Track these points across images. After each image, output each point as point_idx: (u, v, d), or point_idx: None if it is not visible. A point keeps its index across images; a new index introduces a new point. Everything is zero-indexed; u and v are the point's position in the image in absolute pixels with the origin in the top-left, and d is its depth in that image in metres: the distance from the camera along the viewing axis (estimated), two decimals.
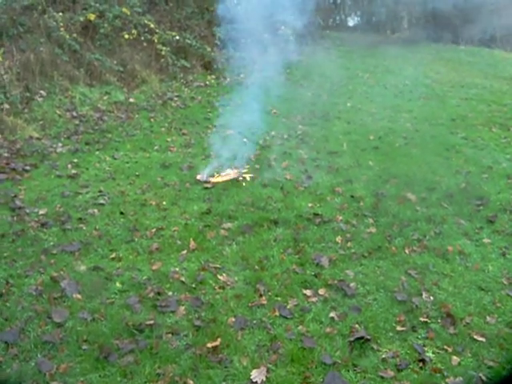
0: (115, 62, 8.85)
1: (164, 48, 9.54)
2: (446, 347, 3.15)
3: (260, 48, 12.20)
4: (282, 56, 13.15)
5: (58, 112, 7.26)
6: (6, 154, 5.93)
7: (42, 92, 7.39)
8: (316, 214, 4.79)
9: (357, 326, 3.30)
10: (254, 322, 3.30)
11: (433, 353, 3.11)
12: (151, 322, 3.23)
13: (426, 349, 3.14)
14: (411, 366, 2.98)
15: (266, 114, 8.38)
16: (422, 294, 3.67)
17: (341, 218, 4.78)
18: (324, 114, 8.52)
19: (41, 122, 6.89)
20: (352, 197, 5.25)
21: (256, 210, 4.87)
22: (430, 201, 5.23)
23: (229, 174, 5.61)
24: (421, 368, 2.97)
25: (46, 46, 7.76)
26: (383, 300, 3.60)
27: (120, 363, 2.88)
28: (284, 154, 6.47)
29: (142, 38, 9.34)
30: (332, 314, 3.40)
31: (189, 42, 10.18)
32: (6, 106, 6.71)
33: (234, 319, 3.30)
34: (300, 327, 3.27)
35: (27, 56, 7.47)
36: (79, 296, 3.47)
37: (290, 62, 13.28)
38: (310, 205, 5.02)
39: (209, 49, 10.61)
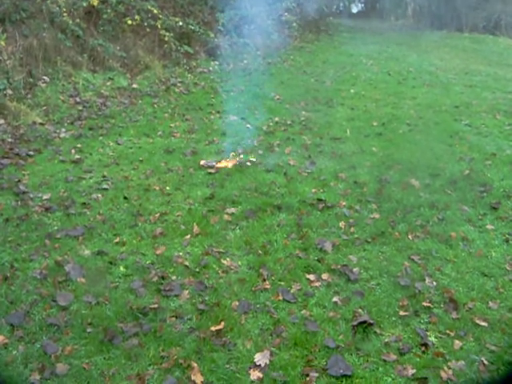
0: (118, 47, 8.83)
1: (167, 34, 9.50)
2: (448, 332, 3.16)
3: (263, 34, 12.21)
4: (285, 42, 13.15)
5: (61, 97, 7.25)
6: (9, 140, 5.94)
7: (45, 77, 7.38)
8: (319, 200, 4.80)
9: (360, 310, 3.31)
10: (258, 305, 3.31)
11: (435, 337, 3.12)
12: (155, 305, 3.24)
13: (428, 333, 3.15)
14: (414, 350, 3.00)
15: (270, 100, 8.38)
16: (425, 280, 3.67)
17: (344, 203, 4.78)
18: (327, 101, 8.51)
19: (44, 108, 6.88)
20: (355, 182, 5.25)
21: (259, 195, 4.88)
22: (434, 187, 5.23)
23: (232, 159, 5.61)
24: (423, 352, 2.98)
25: (48, 31, 7.73)
26: (386, 285, 3.61)
27: (124, 346, 2.90)
28: (287, 140, 6.47)
29: (145, 24, 9.30)
30: (335, 299, 3.41)
31: (192, 27, 10.15)
32: (9, 91, 6.70)
33: (237, 303, 3.31)
34: (303, 311, 3.28)
35: (30, 41, 7.44)
36: (83, 280, 3.49)
37: (294, 48, 13.27)
38: (313, 190, 5.03)
39: (212, 35, 10.58)
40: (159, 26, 9.41)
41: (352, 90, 9.41)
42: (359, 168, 5.63)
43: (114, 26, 8.96)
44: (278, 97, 8.53)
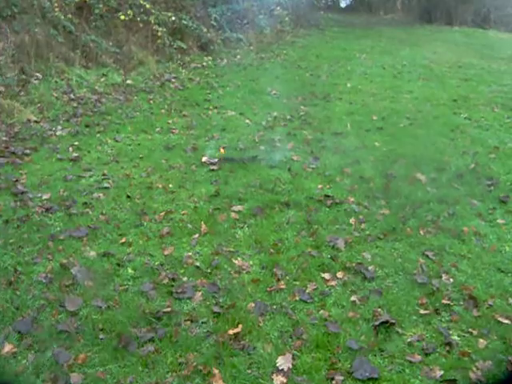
0: (111, 43, 8.67)
1: (160, 29, 9.35)
2: (471, 330, 3.06)
3: (256, 29, 12.10)
4: (277, 37, 13.04)
5: (54, 94, 7.08)
6: (4, 138, 5.76)
7: (37, 74, 7.20)
8: (327, 196, 4.68)
9: (379, 309, 3.20)
10: (274, 307, 3.19)
11: (458, 336, 3.02)
12: (168, 309, 3.11)
13: (450, 332, 3.05)
14: (438, 350, 2.89)
15: (266, 95, 8.27)
16: (441, 276, 3.58)
17: (352, 199, 4.67)
18: (325, 95, 8.40)
19: (38, 105, 6.70)
20: (361, 178, 5.14)
21: (265, 192, 4.76)
22: (441, 181, 5.14)
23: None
24: (448, 352, 2.88)
25: (40, 27, 7.55)
26: (403, 283, 3.51)
27: (140, 352, 2.76)
28: (288, 135, 6.36)
29: (138, 19, 9.15)
30: (353, 298, 3.30)
31: (185, 22, 10.00)
32: (2, 88, 6.53)
33: (253, 304, 3.18)
34: (322, 312, 3.17)
35: (22, 37, 7.27)
36: (91, 283, 3.35)
37: (286, 43, 13.16)
38: (319, 186, 4.92)
39: (205, 30, 10.45)
40: (152, 21, 9.26)
41: (348, 84, 9.31)
42: (363, 163, 5.53)
43: (107, 22, 8.79)
44: (274, 92, 8.41)
